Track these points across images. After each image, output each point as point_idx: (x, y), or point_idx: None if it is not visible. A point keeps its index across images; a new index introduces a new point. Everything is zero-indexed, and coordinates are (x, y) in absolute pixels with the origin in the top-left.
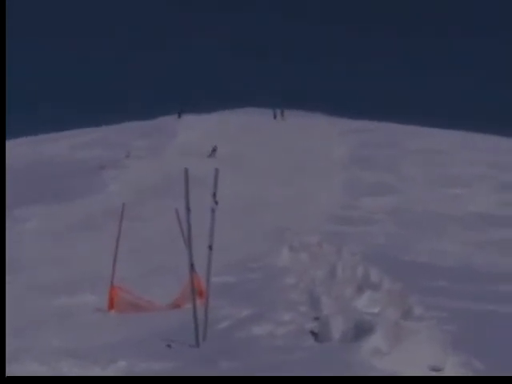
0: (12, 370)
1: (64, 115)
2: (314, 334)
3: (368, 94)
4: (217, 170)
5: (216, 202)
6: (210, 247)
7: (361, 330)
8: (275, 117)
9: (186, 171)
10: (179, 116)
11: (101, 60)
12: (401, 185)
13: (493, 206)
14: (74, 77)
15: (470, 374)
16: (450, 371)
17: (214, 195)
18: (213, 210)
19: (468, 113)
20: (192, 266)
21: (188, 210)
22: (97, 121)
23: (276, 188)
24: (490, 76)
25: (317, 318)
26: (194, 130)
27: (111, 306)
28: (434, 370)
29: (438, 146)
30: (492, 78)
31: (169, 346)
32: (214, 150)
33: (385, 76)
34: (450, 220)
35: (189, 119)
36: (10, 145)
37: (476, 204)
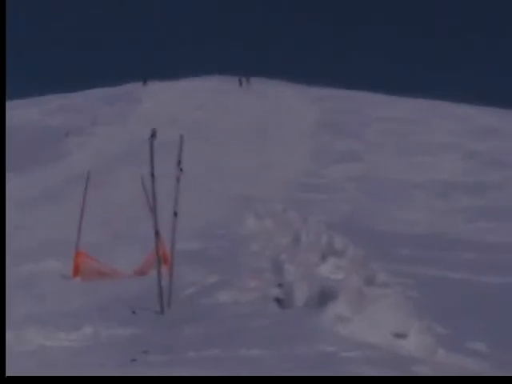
0: None
1: (30, 81)
2: (278, 300)
3: (334, 62)
4: (181, 137)
5: (181, 169)
6: (175, 214)
7: (324, 297)
8: (241, 84)
9: (152, 138)
10: (144, 83)
11: (66, 25)
12: (367, 153)
13: (459, 173)
14: (42, 43)
15: (432, 338)
16: (413, 337)
17: (179, 162)
18: (178, 178)
19: (435, 81)
20: (157, 232)
21: (153, 176)
22: (62, 87)
23: (242, 155)
24: (458, 43)
25: (281, 285)
26: (159, 97)
27: (76, 272)
28: (397, 336)
29: (404, 114)
30: (459, 46)
31: (134, 312)
32: (154, 134)
33: (351, 43)
34: (415, 188)
35: (154, 86)
36: None
37: (442, 172)
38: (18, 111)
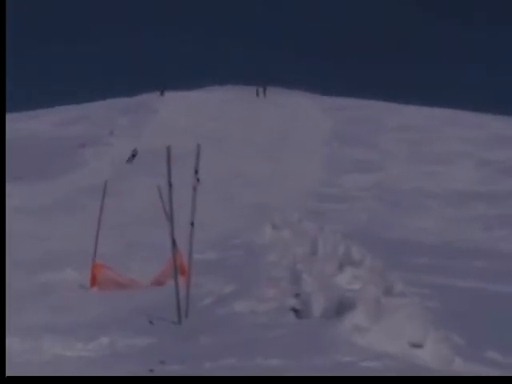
0: None
1: (45, 92)
2: (295, 310)
3: (349, 71)
4: (198, 146)
5: (198, 179)
6: (192, 224)
7: (342, 307)
8: (258, 94)
9: (169, 149)
10: (162, 93)
11: (83, 36)
12: (382, 162)
13: (473, 182)
14: (56, 53)
15: (449, 348)
16: (430, 347)
17: (196, 172)
18: (194, 187)
19: (448, 90)
20: (174, 242)
21: (170, 186)
22: (78, 98)
23: (258, 165)
24: (471, 54)
25: (298, 295)
26: (175, 107)
27: (93, 282)
28: (414, 345)
29: (418, 123)
30: (472, 58)
31: (151, 322)
32: (134, 154)
33: (366, 53)
34: (430, 197)
35: (171, 96)
36: None
37: (456, 180)
38: (29, 122)
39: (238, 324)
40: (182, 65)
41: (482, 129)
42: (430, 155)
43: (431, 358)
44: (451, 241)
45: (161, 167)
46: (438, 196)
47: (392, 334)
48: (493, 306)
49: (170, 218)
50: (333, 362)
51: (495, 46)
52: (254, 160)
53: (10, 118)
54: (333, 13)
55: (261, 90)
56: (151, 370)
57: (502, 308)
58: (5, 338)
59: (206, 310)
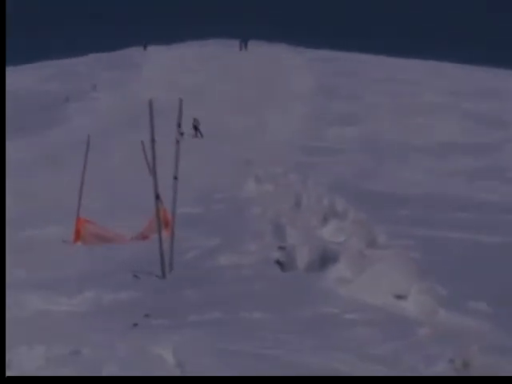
0: None
1: (27, 48)
2: (279, 263)
3: (332, 24)
4: (181, 101)
5: (181, 133)
6: (176, 177)
7: (326, 259)
8: (241, 48)
9: (151, 102)
10: (145, 48)
11: None
12: (366, 115)
13: (457, 134)
14: (40, 6)
15: (433, 299)
16: (413, 298)
17: (179, 125)
18: (178, 141)
19: (430, 42)
20: (158, 196)
21: (153, 140)
22: (61, 53)
23: (241, 119)
24: (451, 3)
25: (282, 248)
26: (158, 61)
27: (77, 237)
28: (398, 297)
29: (402, 75)
30: (453, 5)
31: (136, 276)
32: (196, 126)
33: (350, 5)
34: (415, 149)
35: (154, 50)
36: None
37: (441, 133)
38: (13, 77)
39: (223, 277)
40: (165, 19)
41: (467, 81)
42: (415, 107)
43: (415, 309)
44: (435, 193)
45: (144, 122)
46: (422, 148)
47: (376, 286)
48: (476, 257)
49: (154, 173)
50: (317, 314)
51: None
52: (237, 114)
53: None
54: None
55: (242, 43)
56: (135, 324)
57: (485, 259)
58: (5, 337)
59: (190, 263)
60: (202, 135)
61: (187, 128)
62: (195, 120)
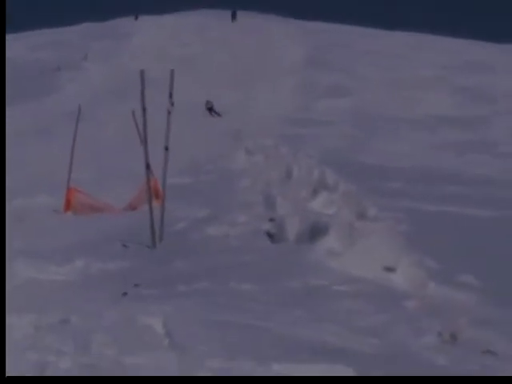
0: None
1: (17, 17)
2: (269, 234)
3: None
4: (172, 71)
5: (172, 103)
6: (167, 148)
7: (316, 231)
8: (233, 19)
9: (142, 72)
10: (136, 18)
11: None
12: (356, 87)
13: (447, 108)
14: None
15: (422, 272)
16: (403, 271)
17: (171, 96)
18: (169, 112)
19: (421, 14)
20: (148, 165)
21: (144, 110)
22: (51, 22)
23: (230, 90)
24: None
25: (272, 220)
26: (148, 32)
27: (68, 207)
28: (387, 269)
29: (392, 48)
30: None
31: (125, 246)
32: (210, 107)
33: None
34: (404, 122)
35: (145, 20)
36: None
37: (430, 106)
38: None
39: (212, 248)
40: None
41: (457, 54)
42: (405, 80)
43: (404, 282)
44: (425, 166)
45: (135, 92)
46: (412, 121)
47: (365, 258)
48: (466, 231)
49: (144, 143)
50: (306, 285)
51: None
52: (227, 85)
53: None
54: None
55: (232, 14)
56: (125, 294)
57: (475, 232)
58: (5, 338)
59: (180, 234)
60: (219, 114)
61: (176, 100)
62: (208, 102)
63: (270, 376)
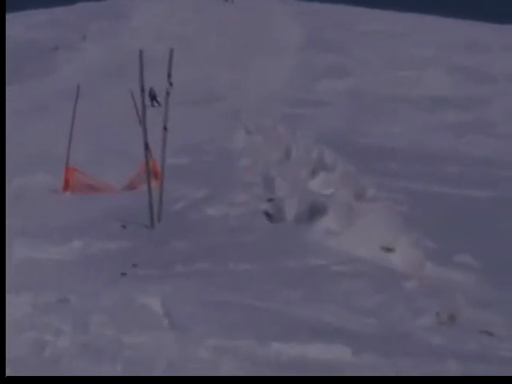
0: None
1: None
2: (268, 214)
3: None
4: (171, 51)
5: (171, 84)
6: (165, 128)
7: (314, 211)
8: None
9: (141, 53)
10: None
11: None
12: (354, 68)
13: (445, 88)
14: None
15: (420, 252)
16: (401, 251)
17: (169, 76)
18: (167, 92)
19: None
20: (147, 145)
21: (142, 90)
22: (48, 2)
23: (229, 71)
24: None
25: (271, 200)
26: (146, 11)
27: (66, 186)
28: (385, 250)
29: (391, 28)
30: None
31: (124, 226)
32: (153, 96)
33: None
34: (403, 102)
35: (143, 0)
36: None
37: (429, 86)
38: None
39: (211, 228)
40: None
41: (455, 34)
42: (403, 61)
43: (402, 262)
44: (423, 146)
45: (133, 72)
46: (410, 101)
47: (364, 239)
48: (464, 211)
49: (143, 123)
50: (305, 265)
51: None
52: (225, 66)
53: None
54: None
55: None
56: (123, 274)
57: (473, 212)
58: (5, 338)
59: (178, 214)
60: (159, 104)
61: (175, 80)
62: (151, 90)
63: (269, 376)
